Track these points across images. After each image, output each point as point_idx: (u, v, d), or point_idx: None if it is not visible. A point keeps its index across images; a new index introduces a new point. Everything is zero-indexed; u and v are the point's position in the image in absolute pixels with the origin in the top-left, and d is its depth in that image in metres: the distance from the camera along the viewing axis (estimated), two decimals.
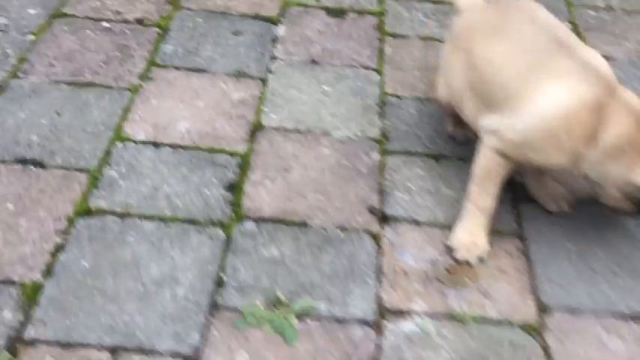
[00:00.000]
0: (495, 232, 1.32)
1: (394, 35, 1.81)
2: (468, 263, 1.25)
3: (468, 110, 1.33)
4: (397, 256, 1.25)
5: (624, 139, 1.19)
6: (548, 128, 1.19)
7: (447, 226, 1.31)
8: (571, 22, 1.94)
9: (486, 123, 1.28)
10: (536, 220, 1.35)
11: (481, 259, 1.26)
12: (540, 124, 1.19)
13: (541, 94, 1.20)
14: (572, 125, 1.18)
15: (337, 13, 1.88)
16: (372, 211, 1.32)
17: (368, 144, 1.48)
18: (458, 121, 1.47)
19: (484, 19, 1.35)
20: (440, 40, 1.77)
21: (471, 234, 1.27)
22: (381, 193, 1.37)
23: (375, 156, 1.45)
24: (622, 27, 1.95)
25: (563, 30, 1.29)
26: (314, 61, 1.70)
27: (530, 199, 1.39)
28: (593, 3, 2.05)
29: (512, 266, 1.26)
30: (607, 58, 1.79)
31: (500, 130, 1.24)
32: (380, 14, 1.89)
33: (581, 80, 1.20)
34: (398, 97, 1.62)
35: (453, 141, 1.49)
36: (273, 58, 1.70)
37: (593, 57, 1.26)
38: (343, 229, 1.29)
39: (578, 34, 1.89)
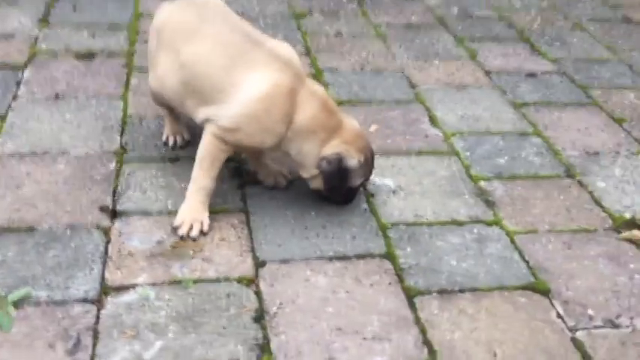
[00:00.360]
0: (222, 211, 1.46)
1: (141, 69, 1.96)
2: (191, 238, 1.37)
3: (187, 106, 1.46)
4: (125, 242, 1.34)
5: (313, 120, 1.40)
6: (252, 113, 1.36)
7: (175, 213, 1.42)
8: (306, 47, 2.23)
9: (204, 114, 1.41)
10: (259, 197, 1.52)
11: (203, 233, 1.39)
12: (246, 110, 1.37)
13: (243, 83, 1.37)
14: (272, 109, 1.37)
15: (86, 56, 2.01)
16: (103, 209, 1.41)
17: (106, 157, 1.59)
18: (174, 122, 1.64)
19: (182, 19, 1.49)
20: None
21: (192, 211, 1.40)
22: (115, 194, 1.47)
23: (112, 165, 1.56)
24: (348, 47, 2.28)
25: (250, 27, 1.49)
26: (57, 96, 1.80)
27: (255, 182, 1.56)
28: (325, 32, 2.38)
29: (235, 235, 1.40)
30: (335, 69, 2.10)
31: (216, 119, 1.39)
32: (129, 54, 2.05)
33: (276, 70, 1.39)
34: (140, 117, 1.75)
35: (166, 147, 1.64)
36: (15, 97, 1.77)
37: (284, 50, 1.46)
38: (72, 228, 1.37)
39: (311, 54, 2.18)
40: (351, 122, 1.47)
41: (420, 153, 1.74)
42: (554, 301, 1.32)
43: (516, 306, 1.30)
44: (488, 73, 2.19)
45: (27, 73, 1.89)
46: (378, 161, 1.66)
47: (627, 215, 1.57)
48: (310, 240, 1.41)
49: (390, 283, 1.32)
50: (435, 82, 2.10)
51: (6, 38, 2.04)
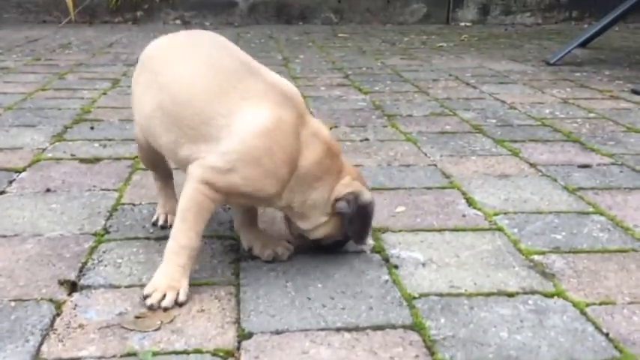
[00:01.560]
0: (207, 283, 1.18)
1: (146, 169, 1.82)
2: (162, 308, 1.08)
3: (165, 143, 1.21)
4: (77, 315, 1.06)
5: (320, 166, 1.18)
6: (250, 151, 1.12)
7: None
8: None
9: (188, 151, 1.17)
10: (255, 270, 1.24)
11: (178, 303, 1.10)
12: (242, 147, 1.12)
13: (239, 114, 1.14)
14: (275, 148, 1.13)
15: (91, 161, 1.89)
16: (62, 283, 1.16)
17: (83, 237, 1.36)
18: (168, 197, 1.42)
19: (170, 43, 1.31)
20: None
21: (168, 277, 1.12)
22: (82, 269, 1.22)
23: (88, 244, 1.33)
24: (374, 149, 2.09)
25: (250, 58, 1.27)
26: (49, 190, 1.63)
27: (252, 256, 1.29)
28: (351, 138, 2.23)
29: (218, 307, 1.10)
30: (359, 165, 1.89)
31: (204, 158, 1.14)
32: (138, 159, 1.93)
33: (278, 103, 1.17)
34: (133, 204, 1.55)
35: (155, 227, 1.41)
36: (3, 192, 1.62)
37: (286, 84, 1.24)
38: (19, 300, 1.11)
39: None
40: (347, 161, 1.27)
41: (455, 229, 1.45)
42: None
43: None
44: (534, 165, 1.94)
45: (23, 175, 1.75)
46: (405, 237, 1.39)
47: None
48: (313, 311, 1.10)
49: (416, 356, 0.98)
50: (472, 174, 1.85)
51: (12, 151, 1.96)
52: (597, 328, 1.07)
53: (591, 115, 2.62)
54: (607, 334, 1.05)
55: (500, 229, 1.46)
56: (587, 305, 1.14)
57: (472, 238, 1.41)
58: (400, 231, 1.43)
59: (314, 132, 1.19)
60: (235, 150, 1.12)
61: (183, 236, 1.14)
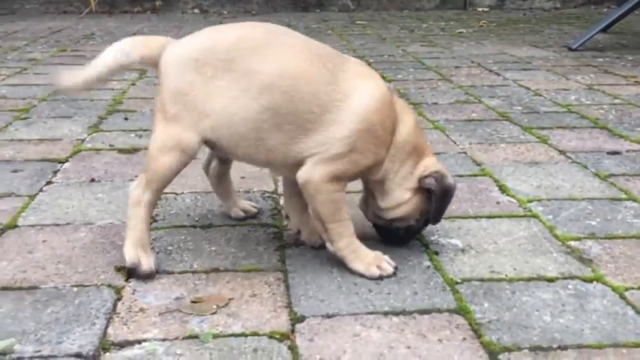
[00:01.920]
0: (255, 269, 1.23)
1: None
2: (393, 272, 1.19)
3: (271, 146, 1.17)
4: (137, 300, 1.11)
5: (413, 135, 1.25)
6: (367, 125, 1.17)
7: (203, 272, 1.21)
8: None
9: (304, 149, 1.16)
10: (301, 257, 1.28)
11: (394, 266, 1.21)
12: (364, 125, 1.16)
13: (352, 95, 1.17)
14: (384, 117, 1.20)
15: (130, 151, 1.94)
16: (119, 269, 1.21)
17: None
18: (229, 193, 1.45)
19: (238, 36, 1.20)
20: None
21: (365, 257, 1.21)
22: None
23: None
24: None
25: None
26: (93, 180, 1.69)
27: (296, 243, 1.33)
28: None
29: (269, 292, 1.15)
30: None
31: (322, 150, 1.16)
32: None
33: (376, 79, 1.23)
34: (176, 193, 1.60)
35: (230, 219, 1.44)
36: (50, 182, 1.68)
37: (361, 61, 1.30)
38: (80, 286, 1.16)
39: None
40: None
41: (491, 216, 1.48)
42: None
43: None
44: (563, 152, 1.97)
45: (66, 165, 1.81)
46: (442, 224, 1.41)
47: None
48: (361, 296, 1.14)
49: (464, 339, 1.01)
50: (502, 161, 1.88)
51: (52, 142, 2.02)
52: (637, 311, 1.10)
53: (617, 101, 2.62)
54: None
55: (535, 216, 1.49)
56: (626, 289, 1.17)
57: (508, 225, 1.44)
58: None
59: (403, 104, 1.28)
60: (357, 128, 1.16)
61: (343, 230, 1.20)
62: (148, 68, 1.33)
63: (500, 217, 1.48)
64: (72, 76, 1.26)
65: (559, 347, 1.00)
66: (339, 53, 1.24)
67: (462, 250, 1.32)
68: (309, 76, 1.16)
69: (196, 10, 6.00)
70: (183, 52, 1.21)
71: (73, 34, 4.56)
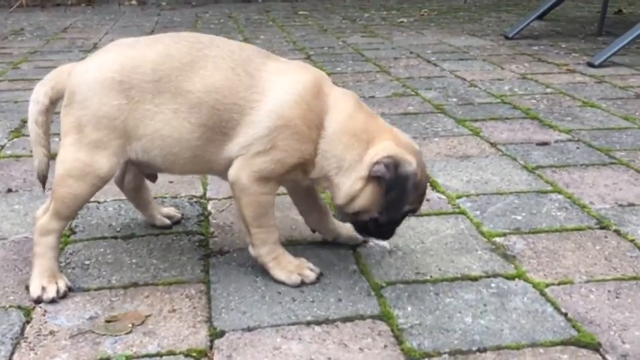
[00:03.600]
0: (177, 282, 1.19)
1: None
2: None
3: (207, 154, 1.15)
4: (48, 322, 1.06)
5: (351, 121, 1.17)
6: (286, 122, 1.13)
7: (121, 287, 1.16)
8: None
9: (232, 151, 1.14)
10: (225, 266, 1.25)
11: (318, 272, 1.19)
12: (279, 120, 1.13)
13: (269, 92, 1.14)
14: (304, 112, 1.14)
15: (52, 157, 1.86)
16: (29, 289, 1.15)
17: None
18: (145, 201, 1.39)
19: (165, 54, 1.15)
20: None
21: (287, 264, 1.18)
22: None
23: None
24: None
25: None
26: (10, 190, 1.60)
27: (220, 252, 1.31)
28: None
29: (189, 306, 1.11)
30: None
31: (245, 151, 1.14)
32: None
33: (297, 72, 1.19)
34: (98, 202, 1.54)
35: (154, 227, 1.40)
36: None
37: (296, 62, 1.27)
38: None
39: None
40: (397, 129, 1.22)
41: (420, 215, 1.48)
42: (607, 356, 0.99)
43: None
44: (494, 144, 1.99)
45: None
46: None
47: None
48: (284, 305, 1.12)
49: (385, 346, 1.00)
50: (435, 155, 1.89)
51: None
52: (556, 308, 1.12)
53: (549, 90, 2.67)
54: (565, 314, 1.10)
55: (463, 213, 1.49)
56: (547, 286, 1.19)
57: (436, 223, 1.44)
58: None
59: (340, 94, 1.20)
60: (276, 126, 1.13)
61: (265, 236, 1.18)
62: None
63: (428, 215, 1.48)
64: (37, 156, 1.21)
65: (478, 350, 1.00)
66: (262, 52, 1.21)
67: (390, 252, 1.31)
68: (230, 86, 1.14)
69: (134, 2, 5.83)
70: (101, 74, 1.14)
71: (1, 29, 4.37)
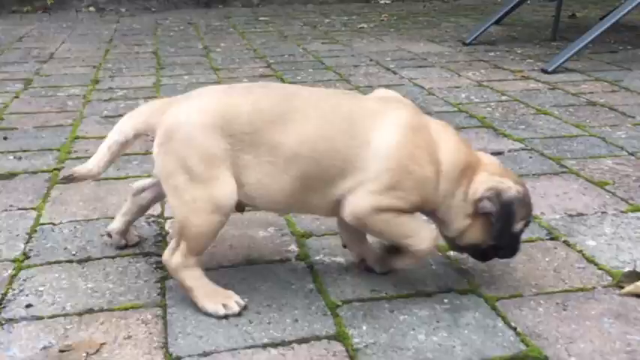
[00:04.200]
0: (132, 307, 1.19)
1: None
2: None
3: (311, 201, 1.16)
4: (0, 353, 1.06)
5: (460, 155, 1.16)
6: (394, 164, 1.12)
7: (76, 314, 1.16)
8: None
9: (340, 190, 1.14)
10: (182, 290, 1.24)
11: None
12: (387, 163, 1.12)
13: (373, 138, 1.13)
14: (413, 150, 1.13)
15: (6, 177, 1.82)
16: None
17: (1, 265, 1.32)
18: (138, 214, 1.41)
19: (255, 107, 1.14)
20: (115, 179, 1.75)
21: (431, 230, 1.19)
22: (2, 301, 1.19)
23: (6, 272, 1.30)
24: None
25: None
26: None
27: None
28: None
29: (145, 332, 1.11)
30: None
31: (360, 185, 1.13)
32: (56, 171, 1.88)
33: (398, 109, 1.17)
34: (53, 224, 1.52)
35: (111, 249, 1.38)
36: None
37: (388, 92, 1.27)
38: None
39: None
40: (487, 155, 1.24)
41: None
42: None
43: None
44: None
45: None
46: (329, 240, 1.43)
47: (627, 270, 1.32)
48: (240, 328, 1.12)
49: None
50: None
51: None
52: (506, 322, 1.15)
53: (504, 97, 2.73)
54: (515, 329, 1.13)
55: None
56: (498, 299, 1.22)
57: None
58: (324, 235, 1.47)
59: (438, 125, 1.20)
60: (385, 168, 1.11)
61: (424, 232, 1.17)
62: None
63: None
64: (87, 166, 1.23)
65: None
66: (348, 93, 1.23)
67: (346, 269, 1.33)
68: (326, 135, 1.14)
69: (92, 9, 5.75)
70: (204, 117, 1.13)
71: None
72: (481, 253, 1.22)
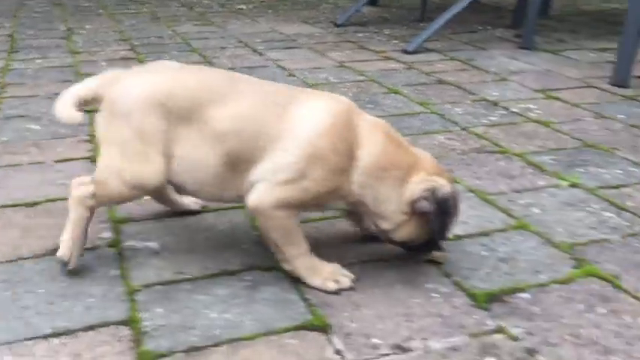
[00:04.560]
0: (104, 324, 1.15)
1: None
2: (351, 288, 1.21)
3: (233, 183, 1.19)
4: None
5: (384, 156, 1.19)
6: (315, 151, 1.15)
7: None
8: None
9: (254, 176, 1.17)
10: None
11: (352, 278, 1.22)
12: (308, 149, 1.15)
13: (297, 120, 1.17)
14: (335, 141, 1.16)
15: None
16: None
17: None
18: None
19: (204, 83, 1.21)
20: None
21: (321, 272, 1.22)
22: None
23: None
24: None
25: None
26: None
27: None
28: None
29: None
30: None
31: (270, 176, 1.16)
32: None
33: (328, 100, 1.22)
34: None
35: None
36: None
37: (323, 93, 1.29)
38: None
39: None
40: (424, 153, 1.27)
41: (196, 213, 1.52)
42: (333, 337, 1.07)
43: (284, 350, 1.03)
44: None
45: None
46: (146, 225, 1.42)
47: None
48: (25, 320, 1.10)
49: (120, 352, 1.02)
50: None
51: None
52: (301, 295, 1.19)
53: (361, 77, 2.80)
54: (307, 300, 1.18)
55: (242, 207, 1.55)
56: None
57: (214, 219, 1.49)
58: (142, 220, 1.47)
59: (371, 124, 1.22)
60: (304, 154, 1.15)
61: (297, 249, 1.21)
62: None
63: (207, 212, 1.52)
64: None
65: (214, 344, 1.05)
66: (294, 88, 1.26)
67: (157, 253, 1.33)
68: (257, 115, 1.19)
69: None
70: (146, 95, 1.19)
71: None
72: (415, 247, 1.27)
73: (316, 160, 1.16)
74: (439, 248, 1.28)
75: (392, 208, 1.20)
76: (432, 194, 1.19)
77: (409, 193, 1.20)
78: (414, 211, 1.20)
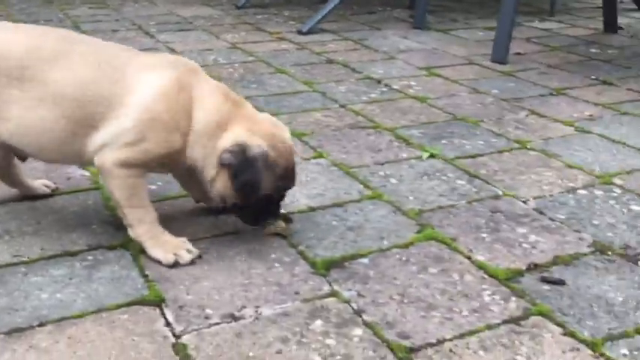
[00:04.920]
0: None
1: None
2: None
3: (75, 146, 1.19)
4: None
5: (215, 116, 1.19)
6: (153, 115, 1.17)
7: None
8: None
9: (99, 141, 1.18)
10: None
11: (196, 254, 1.22)
12: (146, 114, 1.17)
13: (136, 86, 1.18)
14: (171, 105, 1.18)
15: None
16: None
17: None
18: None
19: (34, 44, 1.19)
20: None
21: (164, 244, 1.22)
22: None
23: None
24: None
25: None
26: None
27: None
28: None
29: None
30: None
31: (113, 140, 1.18)
32: None
33: (164, 64, 1.23)
34: None
35: None
36: None
37: (162, 55, 1.30)
38: None
39: None
40: (266, 117, 1.29)
41: (58, 194, 1.47)
42: (166, 310, 1.07)
43: (112, 326, 1.03)
44: None
45: None
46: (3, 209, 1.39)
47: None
48: None
49: None
50: None
51: None
52: (141, 271, 1.19)
53: (250, 58, 2.79)
54: (147, 276, 1.17)
55: (99, 189, 1.52)
56: (143, 252, 1.25)
57: (65, 201, 1.44)
58: None
59: (209, 88, 1.23)
60: (143, 118, 1.17)
61: (139, 216, 1.21)
62: None
63: (60, 194, 1.48)
64: None
65: (39, 324, 1.03)
66: (130, 49, 1.27)
67: None
68: (95, 80, 1.19)
69: None
70: None
71: None
72: (232, 211, 1.27)
73: (154, 123, 1.19)
74: (275, 216, 1.29)
75: (209, 161, 1.22)
76: (239, 148, 1.19)
77: (220, 145, 1.21)
78: (220, 162, 1.21)
